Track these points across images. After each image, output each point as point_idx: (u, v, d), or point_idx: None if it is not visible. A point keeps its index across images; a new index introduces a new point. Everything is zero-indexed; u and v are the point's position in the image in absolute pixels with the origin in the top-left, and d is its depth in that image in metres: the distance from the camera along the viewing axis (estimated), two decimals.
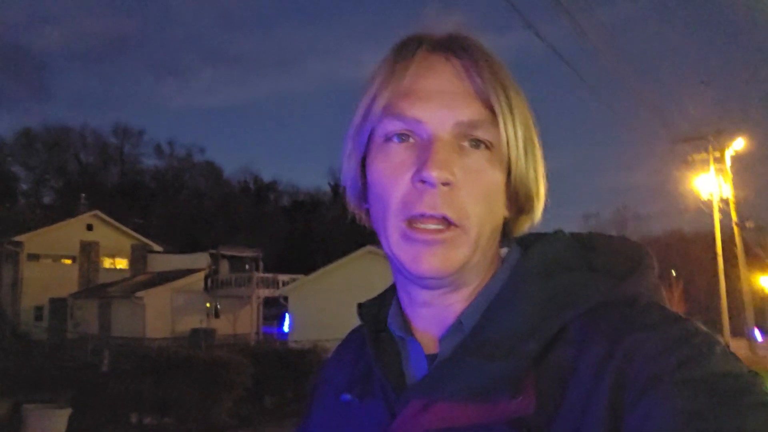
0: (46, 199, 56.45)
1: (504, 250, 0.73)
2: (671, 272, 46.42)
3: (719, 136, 24.62)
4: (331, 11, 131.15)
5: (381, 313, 0.77)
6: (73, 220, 31.73)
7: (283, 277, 29.51)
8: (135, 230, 34.49)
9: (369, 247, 22.90)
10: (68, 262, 31.18)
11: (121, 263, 33.16)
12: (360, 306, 0.80)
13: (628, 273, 0.65)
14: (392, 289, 0.78)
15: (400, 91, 0.65)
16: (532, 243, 0.71)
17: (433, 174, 0.60)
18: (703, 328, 0.58)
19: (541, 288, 0.65)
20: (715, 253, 24.03)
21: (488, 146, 0.64)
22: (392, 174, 0.64)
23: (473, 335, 0.64)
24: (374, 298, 0.81)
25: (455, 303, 0.68)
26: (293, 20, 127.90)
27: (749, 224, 28.80)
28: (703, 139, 24.29)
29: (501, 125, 0.64)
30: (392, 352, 0.72)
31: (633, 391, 0.53)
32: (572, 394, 0.57)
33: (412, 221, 0.63)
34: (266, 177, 72.43)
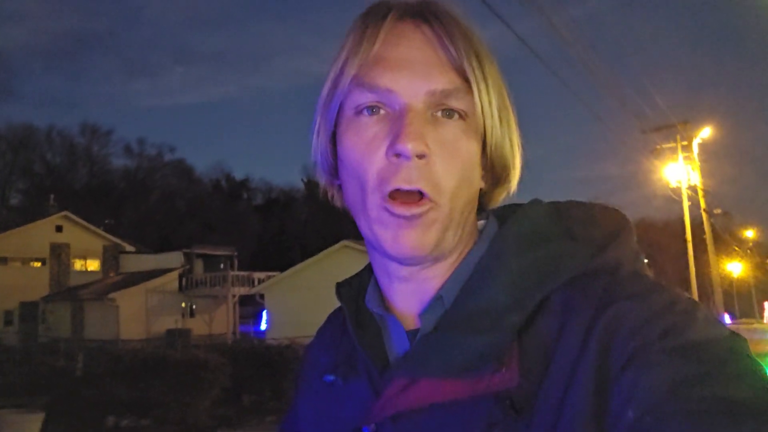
0: (13, 201, 55.25)
1: (481, 222, 0.72)
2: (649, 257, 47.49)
3: (687, 125, 25.16)
4: (301, 8, 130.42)
5: (360, 293, 0.76)
6: (42, 221, 31.18)
7: (258, 275, 29.35)
8: (106, 231, 34.04)
9: (344, 242, 22.93)
10: (38, 264, 30.71)
11: (93, 264, 32.73)
12: (338, 286, 0.78)
13: (608, 241, 0.64)
14: (369, 269, 0.76)
15: (370, 61, 0.62)
16: (509, 214, 0.70)
17: (408, 146, 0.58)
18: (685, 295, 0.58)
19: (521, 259, 0.63)
20: (684, 240, 24.52)
21: (462, 116, 0.62)
22: (366, 149, 0.62)
23: (454, 309, 0.63)
24: (352, 278, 0.79)
25: (434, 278, 0.66)
26: (263, 18, 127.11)
27: (717, 211, 29.50)
28: (672, 128, 24.81)
29: (475, 94, 0.62)
30: (373, 331, 0.71)
31: (619, 362, 0.53)
32: (556, 366, 0.57)
33: (388, 198, 0.61)
34: (238, 175, 72.00)
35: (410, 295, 0.68)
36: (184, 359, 11.12)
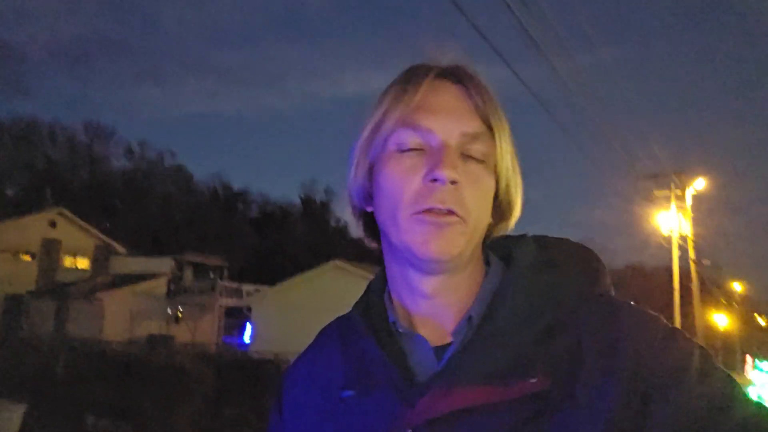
0: (9, 192, 55.02)
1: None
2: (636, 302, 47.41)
3: (681, 175, 25.39)
4: (316, 33, 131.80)
5: (372, 310, 0.83)
6: (36, 215, 31.08)
7: (247, 287, 29.30)
8: (100, 231, 33.94)
9: (335, 261, 22.91)
10: (28, 258, 30.50)
11: (83, 263, 32.54)
12: (355, 307, 0.86)
13: (597, 273, 0.79)
14: (374, 290, 0.86)
15: (413, 107, 0.74)
16: (507, 245, 0.82)
17: (444, 173, 0.70)
18: (659, 316, 0.74)
19: (534, 285, 0.75)
20: (672, 288, 24.64)
21: (484, 158, 0.75)
22: (405, 174, 0.73)
23: (484, 326, 0.73)
24: (361, 298, 0.87)
25: (454, 295, 0.77)
26: (279, 38, 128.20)
27: (706, 262, 29.63)
28: (666, 177, 25.04)
29: (497, 139, 0.75)
30: (393, 347, 0.77)
31: (657, 378, 0.66)
32: (586, 374, 0.67)
33: (422, 212, 0.71)
34: (236, 186, 71.84)
35: (434, 314, 0.77)
36: (168, 366, 11.13)
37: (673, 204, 25.12)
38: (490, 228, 0.80)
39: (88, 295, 26.75)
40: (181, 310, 28.76)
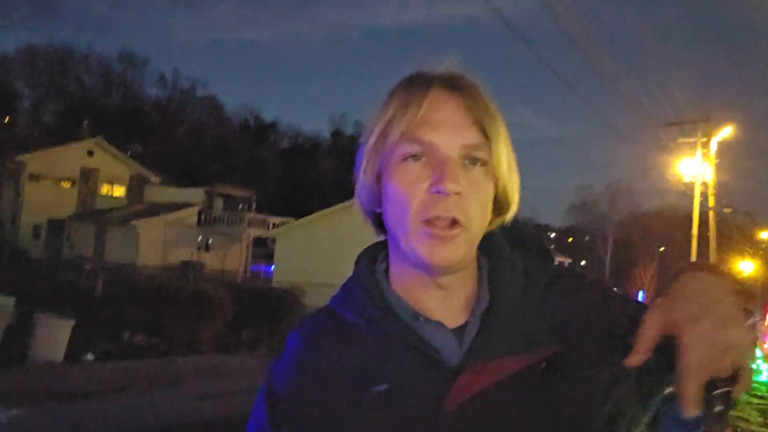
0: (46, 119, 55.71)
1: None
2: (656, 248, 47.36)
3: (708, 122, 25.09)
4: None
5: (374, 300, 0.84)
6: (75, 144, 32.21)
7: (274, 219, 30.28)
8: (133, 158, 34.89)
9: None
10: (67, 185, 31.81)
11: (119, 191, 33.73)
12: (372, 303, 0.84)
13: (550, 254, 0.92)
14: (363, 282, 0.87)
15: (416, 121, 0.78)
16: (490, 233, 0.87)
17: (448, 186, 0.74)
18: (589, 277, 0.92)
19: (519, 265, 0.87)
20: (691, 235, 24.89)
21: (483, 163, 0.79)
22: (411, 185, 0.77)
23: (495, 306, 0.82)
24: (365, 292, 0.86)
25: (462, 286, 0.84)
26: None
27: (727, 210, 29.52)
28: (693, 123, 24.77)
29: (494, 148, 0.79)
30: (403, 333, 0.80)
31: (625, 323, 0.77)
32: (576, 330, 0.80)
33: (427, 222, 0.76)
34: (267, 117, 71.96)
35: (446, 303, 0.83)
36: (194, 291, 12.12)
37: (699, 152, 24.92)
38: (490, 223, 0.85)
39: (124, 222, 28.04)
40: (210, 239, 29.89)
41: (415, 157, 0.78)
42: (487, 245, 0.88)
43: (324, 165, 61.65)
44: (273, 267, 26.73)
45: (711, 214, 26.24)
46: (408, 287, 0.84)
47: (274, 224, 29.57)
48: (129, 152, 35.90)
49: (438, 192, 0.76)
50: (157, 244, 27.49)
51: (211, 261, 27.91)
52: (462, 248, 0.78)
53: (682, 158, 25.41)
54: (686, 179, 25.10)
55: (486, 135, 0.79)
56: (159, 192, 33.40)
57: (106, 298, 12.38)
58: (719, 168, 25.90)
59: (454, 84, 0.81)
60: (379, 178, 0.83)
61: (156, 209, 29.89)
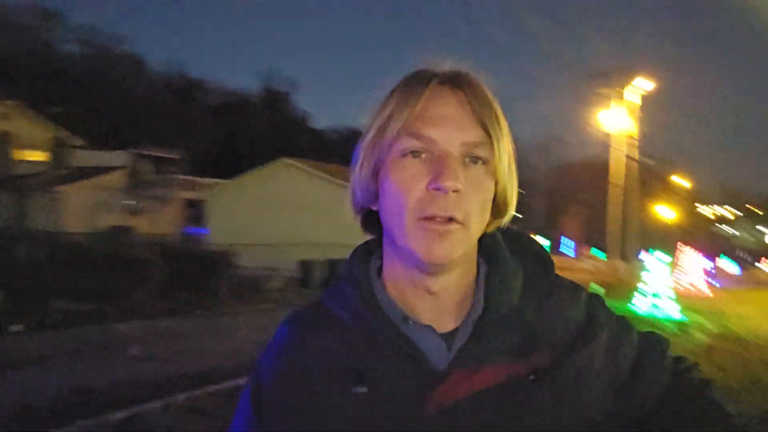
0: None
1: None
2: (583, 197, 49.10)
3: (624, 73, 26.04)
4: None
5: (364, 299, 0.83)
6: None
7: (204, 180, 29.88)
8: (55, 122, 33.34)
9: (286, 159, 23.51)
10: None
11: (40, 155, 32.20)
12: (367, 306, 0.83)
13: (550, 263, 0.90)
14: (363, 283, 0.85)
15: (416, 115, 0.76)
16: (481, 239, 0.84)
17: (447, 184, 0.73)
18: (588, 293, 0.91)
19: (518, 274, 0.85)
20: (613, 183, 26.04)
21: (484, 162, 0.77)
22: (409, 182, 0.76)
23: (488, 313, 0.80)
24: (354, 296, 0.85)
25: (453, 289, 0.82)
26: None
27: (649, 161, 30.86)
28: (608, 75, 25.72)
29: (495, 146, 0.77)
30: (391, 335, 0.79)
31: (630, 356, 0.86)
32: (566, 344, 0.82)
33: (425, 219, 0.75)
34: (193, 74, 69.63)
35: (437, 306, 0.81)
36: (126, 255, 12.06)
37: (615, 103, 25.88)
38: (488, 225, 0.83)
39: (47, 188, 27.01)
40: (139, 202, 29.24)
41: (414, 153, 0.77)
42: (488, 249, 0.87)
43: (256, 123, 60.44)
44: (207, 229, 26.46)
45: (632, 162, 27.46)
46: (400, 288, 0.83)
47: (204, 185, 29.11)
48: (48, 115, 34.19)
49: (437, 189, 0.74)
50: (83, 210, 26.50)
51: (142, 225, 27.23)
52: (459, 245, 0.76)
53: (602, 109, 26.35)
54: (608, 129, 26.13)
55: (488, 133, 0.78)
56: (84, 156, 32.04)
57: (30, 266, 12.13)
58: (641, 120, 26.95)
59: (456, 80, 0.80)
60: (376, 174, 0.81)
61: (81, 174, 28.89)
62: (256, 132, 58.28)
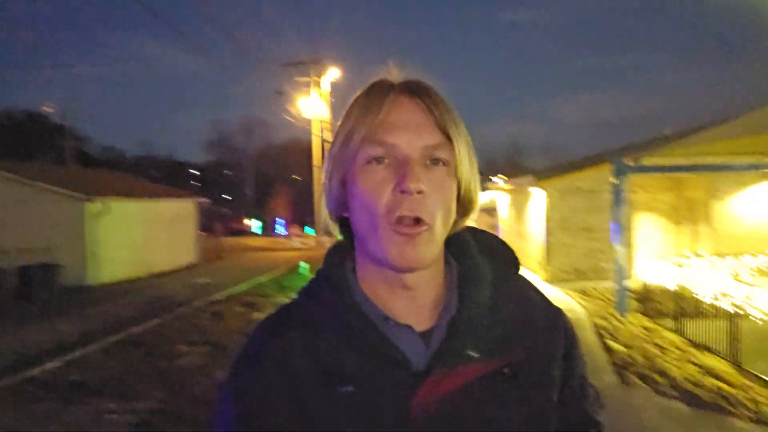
0: None
1: None
2: (291, 178, 50.37)
3: (318, 63, 27.65)
4: None
5: (343, 300, 0.85)
6: None
7: None
8: None
9: None
10: None
11: None
12: (347, 306, 0.84)
13: (516, 261, 0.95)
14: (339, 284, 0.87)
15: (377, 124, 0.79)
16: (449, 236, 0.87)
17: (411, 185, 0.76)
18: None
19: (487, 273, 0.89)
20: (311, 164, 27.43)
21: (445, 163, 0.80)
22: (377, 187, 0.78)
23: (463, 311, 0.83)
24: (334, 296, 0.86)
25: (427, 287, 0.85)
26: None
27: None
28: (305, 64, 27.10)
29: (455, 148, 0.81)
30: (371, 335, 0.81)
31: (573, 348, 0.92)
32: (540, 342, 0.87)
33: (395, 223, 0.77)
34: None
35: (412, 304, 0.84)
36: None
37: (313, 90, 27.31)
38: (455, 223, 0.86)
39: None
40: None
41: (378, 159, 0.79)
42: (457, 248, 0.91)
43: None
44: None
45: (323, 145, 29.29)
46: (375, 288, 0.85)
47: None
48: None
49: (402, 191, 0.77)
50: None
51: None
52: (428, 247, 0.79)
53: (301, 96, 27.68)
54: (305, 115, 27.54)
55: (447, 136, 0.81)
56: None
57: None
58: (334, 106, 28.76)
59: (413, 88, 0.83)
60: (344, 183, 0.84)
61: None
62: None
